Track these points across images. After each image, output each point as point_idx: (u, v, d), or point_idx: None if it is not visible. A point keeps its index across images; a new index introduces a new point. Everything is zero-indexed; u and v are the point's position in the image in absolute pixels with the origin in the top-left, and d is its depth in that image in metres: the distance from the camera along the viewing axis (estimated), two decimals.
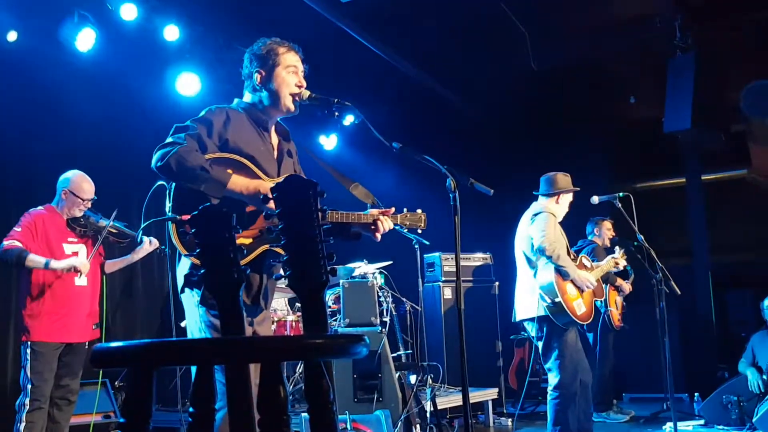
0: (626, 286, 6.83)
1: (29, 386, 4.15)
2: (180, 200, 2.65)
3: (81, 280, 4.43)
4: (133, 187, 6.43)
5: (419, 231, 3.06)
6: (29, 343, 4.22)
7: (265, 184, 2.68)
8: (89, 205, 4.53)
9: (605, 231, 6.99)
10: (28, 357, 4.19)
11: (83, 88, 5.80)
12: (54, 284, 4.31)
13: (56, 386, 4.33)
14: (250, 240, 2.69)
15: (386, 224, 2.91)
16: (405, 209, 3.02)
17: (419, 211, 3.04)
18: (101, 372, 4.88)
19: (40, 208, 4.46)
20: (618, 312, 6.74)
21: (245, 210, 2.73)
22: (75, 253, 4.45)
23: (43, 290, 4.30)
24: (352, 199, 3.05)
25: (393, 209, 2.98)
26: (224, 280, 1.74)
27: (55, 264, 4.25)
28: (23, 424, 4.09)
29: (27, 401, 4.13)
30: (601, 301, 6.33)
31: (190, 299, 2.70)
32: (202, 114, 2.82)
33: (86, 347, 4.50)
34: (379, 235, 2.92)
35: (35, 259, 4.22)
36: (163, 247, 4.95)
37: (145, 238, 4.79)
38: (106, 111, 5.96)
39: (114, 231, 4.59)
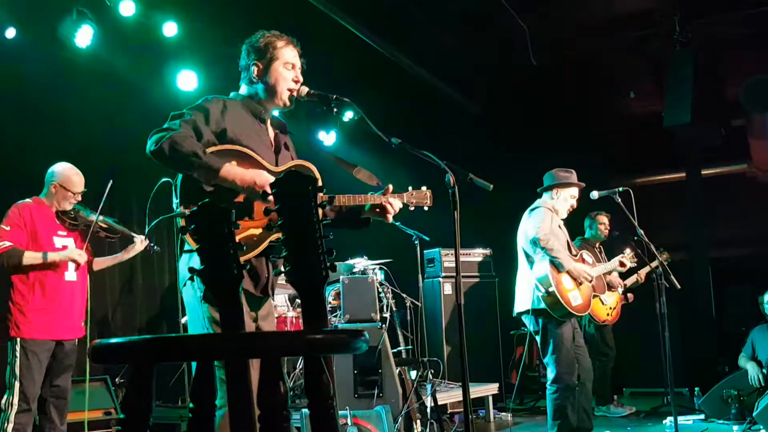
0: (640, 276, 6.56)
1: (17, 385, 4.01)
2: (187, 195, 2.65)
3: (71, 275, 4.31)
4: (132, 184, 6.42)
5: (426, 208, 3.05)
6: (19, 339, 4.07)
7: (264, 175, 2.65)
8: (79, 198, 4.41)
9: (599, 226, 6.96)
10: (17, 354, 4.04)
11: (82, 84, 5.79)
12: (44, 279, 4.18)
13: (49, 386, 4.21)
14: (260, 230, 2.69)
15: (396, 204, 2.93)
16: (410, 187, 3.02)
17: (424, 188, 3.04)
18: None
19: (27, 200, 4.32)
20: (608, 307, 6.50)
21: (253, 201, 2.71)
22: (65, 247, 4.32)
23: (33, 285, 4.17)
24: (356, 186, 3.04)
25: (391, 187, 2.97)
26: (223, 276, 1.74)
27: (52, 255, 4.16)
28: (11, 425, 3.95)
29: (15, 401, 4.00)
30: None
31: (192, 295, 2.69)
32: (199, 102, 2.82)
33: (76, 345, 4.37)
34: (390, 216, 2.94)
35: (32, 256, 4.11)
36: (152, 245, 4.91)
37: (136, 237, 4.69)
38: (104, 107, 5.95)
39: (104, 226, 4.49)
